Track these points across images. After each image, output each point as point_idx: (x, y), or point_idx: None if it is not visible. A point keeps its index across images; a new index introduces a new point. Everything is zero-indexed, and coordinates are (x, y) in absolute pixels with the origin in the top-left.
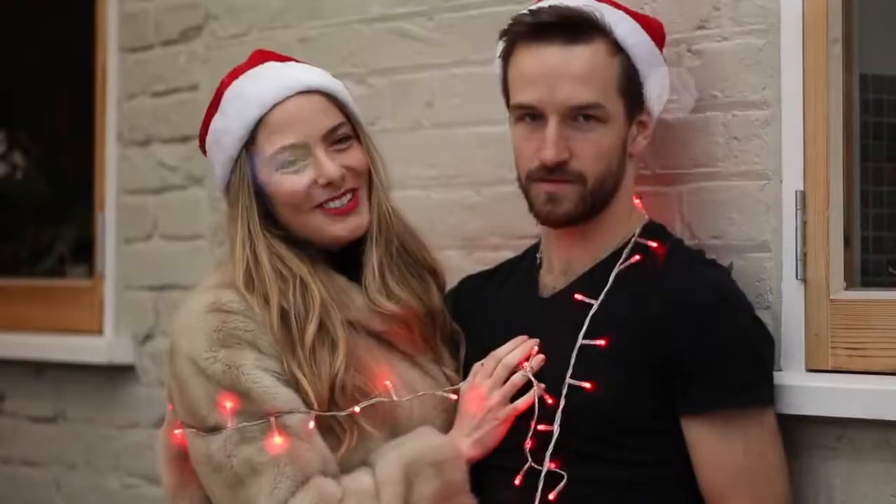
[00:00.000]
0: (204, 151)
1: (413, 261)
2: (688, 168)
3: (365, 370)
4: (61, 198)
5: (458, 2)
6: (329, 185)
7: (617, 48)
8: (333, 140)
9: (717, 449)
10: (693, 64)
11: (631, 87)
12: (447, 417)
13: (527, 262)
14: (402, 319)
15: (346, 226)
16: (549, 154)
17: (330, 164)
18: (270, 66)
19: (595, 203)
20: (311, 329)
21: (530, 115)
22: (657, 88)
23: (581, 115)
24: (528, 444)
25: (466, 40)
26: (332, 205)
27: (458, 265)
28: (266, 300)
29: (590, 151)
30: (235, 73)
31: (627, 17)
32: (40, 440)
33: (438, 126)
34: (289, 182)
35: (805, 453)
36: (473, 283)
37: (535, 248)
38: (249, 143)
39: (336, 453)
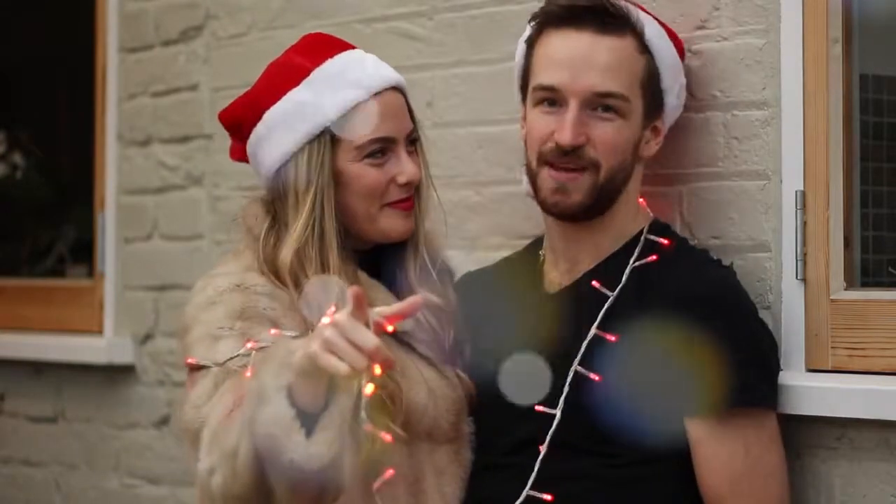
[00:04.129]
0: (241, 121)
1: (441, 270)
2: (688, 168)
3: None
4: (61, 198)
5: (458, 2)
6: (407, 184)
7: (644, 48)
8: (410, 141)
9: (717, 450)
10: (693, 64)
11: (653, 88)
12: (458, 420)
13: (529, 259)
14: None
15: (405, 223)
16: (567, 136)
17: (412, 165)
18: (362, 54)
19: (603, 197)
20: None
21: (549, 100)
22: (675, 97)
23: (601, 105)
24: (541, 448)
25: (466, 40)
26: (398, 199)
27: (458, 265)
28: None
29: (607, 141)
30: (318, 52)
31: (655, 22)
32: (40, 440)
33: (438, 126)
34: (372, 174)
35: (805, 453)
36: (474, 280)
37: (536, 245)
38: (335, 126)
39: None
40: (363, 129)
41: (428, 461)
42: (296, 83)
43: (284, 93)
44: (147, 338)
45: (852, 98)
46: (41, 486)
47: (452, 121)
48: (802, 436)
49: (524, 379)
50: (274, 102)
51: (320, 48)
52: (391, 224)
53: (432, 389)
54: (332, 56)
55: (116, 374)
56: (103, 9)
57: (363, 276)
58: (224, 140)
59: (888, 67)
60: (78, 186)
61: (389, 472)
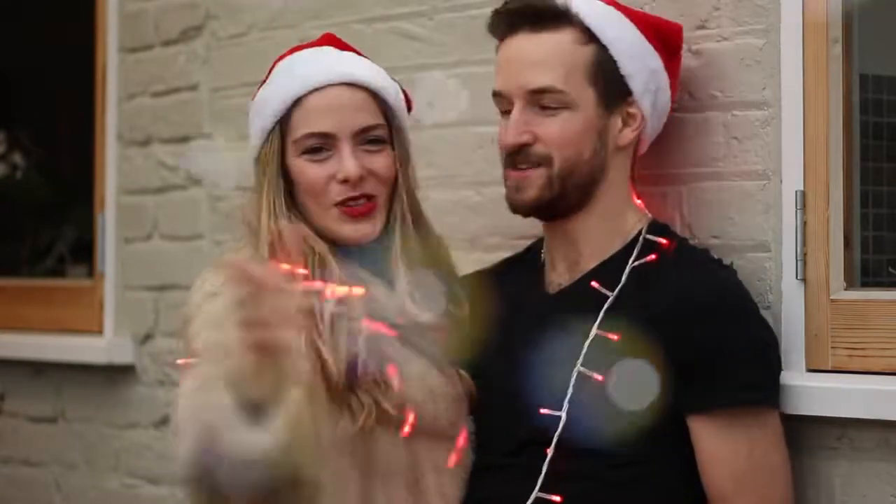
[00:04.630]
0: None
1: (445, 279)
2: (688, 168)
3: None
4: (61, 198)
5: (458, 2)
6: (346, 182)
7: (589, 37)
8: (365, 140)
9: (720, 448)
10: (693, 64)
11: (605, 76)
12: (457, 418)
13: (529, 260)
14: (431, 330)
15: (357, 228)
16: (508, 137)
17: (351, 162)
18: (327, 51)
19: (565, 190)
20: (331, 303)
21: (502, 107)
22: (647, 83)
23: (543, 100)
24: (548, 451)
25: (466, 40)
26: (349, 204)
27: (458, 265)
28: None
29: (554, 135)
30: (296, 49)
31: (612, 10)
32: (40, 440)
33: (438, 126)
34: (310, 170)
35: (805, 453)
36: (474, 281)
37: (536, 246)
38: (284, 120)
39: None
40: (297, 125)
41: (427, 459)
42: (266, 80)
43: (258, 90)
44: (147, 338)
45: (852, 98)
46: (41, 486)
47: (452, 121)
48: (802, 436)
49: (526, 380)
50: (253, 100)
51: (301, 46)
52: (339, 228)
53: (431, 388)
54: (299, 51)
55: (116, 374)
56: (103, 9)
57: (364, 273)
58: (224, 140)
59: (888, 67)
60: (78, 186)
61: (411, 416)
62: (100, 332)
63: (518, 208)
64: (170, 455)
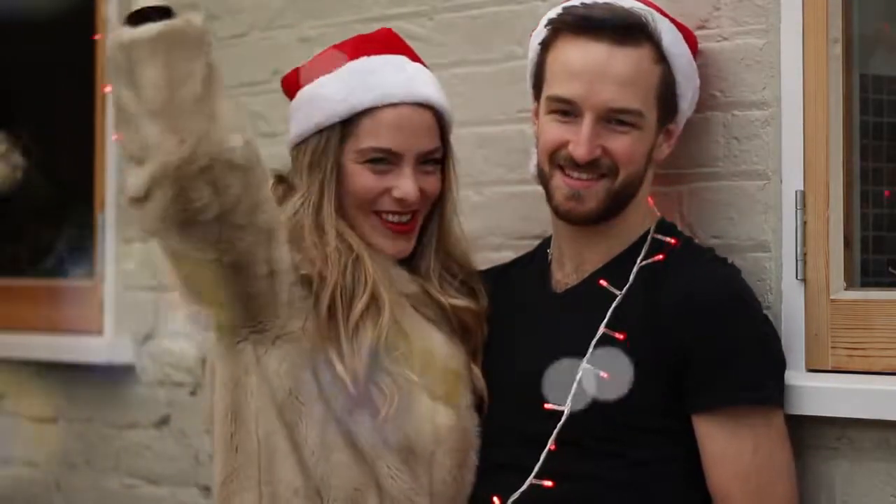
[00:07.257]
0: (288, 90)
1: (469, 290)
2: (688, 168)
3: (400, 333)
4: (61, 198)
5: (458, 2)
6: (401, 201)
7: (661, 56)
8: (424, 160)
9: (725, 447)
10: None
11: (667, 96)
12: (451, 385)
13: (538, 259)
14: (458, 317)
15: (394, 244)
16: (582, 151)
17: (411, 185)
18: (405, 63)
19: (617, 202)
20: (360, 307)
21: (563, 110)
22: (691, 101)
23: (616, 119)
24: (550, 444)
25: (466, 40)
26: (391, 218)
27: None
28: (317, 269)
29: (624, 152)
30: (365, 47)
31: (672, 26)
32: (40, 440)
33: None
34: (367, 179)
35: (805, 453)
36: (486, 278)
37: (545, 244)
38: (347, 123)
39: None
40: (364, 134)
41: (428, 422)
42: (329, 71)
43: (318, 76)
44: (147, 338)
45: (852, 98)
46: (41, 486)
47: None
48: (803, 436)
49: (533, 377)
50: (308, 83)
51: (373, 44)
52: (377, 240)
53: (432, 346)
54: (374, 54)
55: (116, 374)
56: (103, 9)
57: (397, 269)
58: None
59: (888, 67)
60: (78, 186)
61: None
62: (100, 332)
63: (572, 216)
64: (170, 455)
